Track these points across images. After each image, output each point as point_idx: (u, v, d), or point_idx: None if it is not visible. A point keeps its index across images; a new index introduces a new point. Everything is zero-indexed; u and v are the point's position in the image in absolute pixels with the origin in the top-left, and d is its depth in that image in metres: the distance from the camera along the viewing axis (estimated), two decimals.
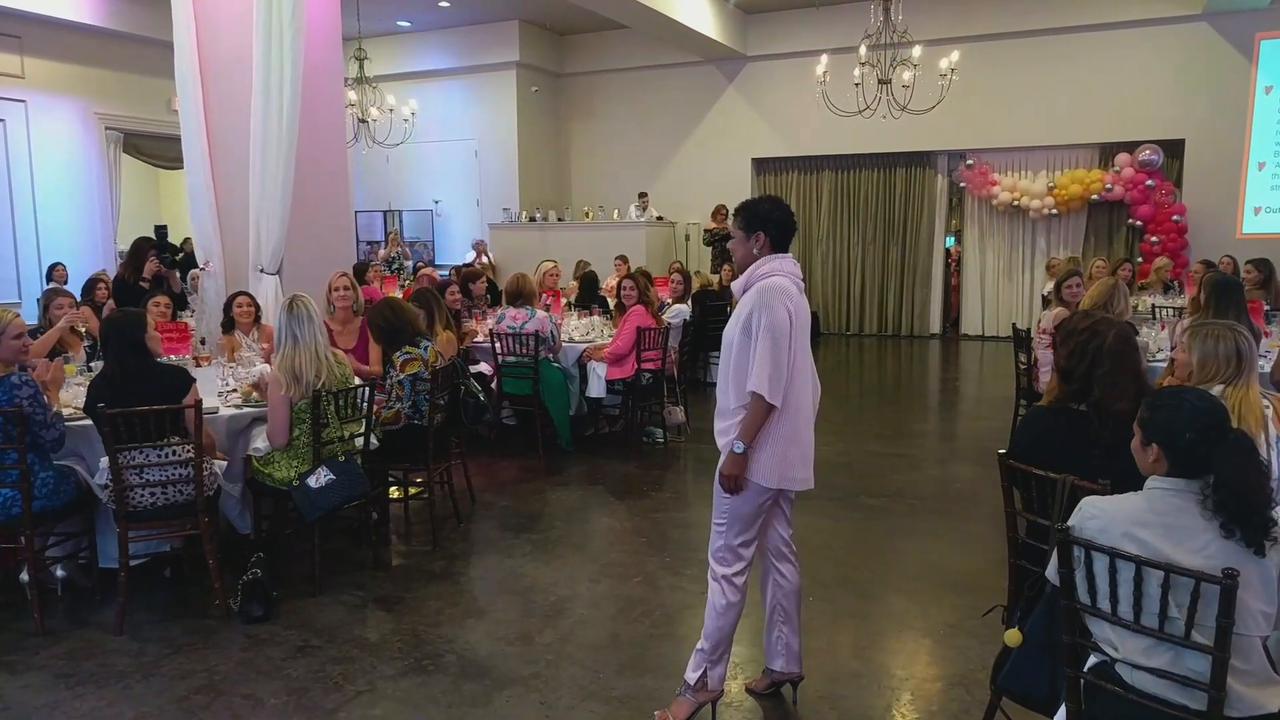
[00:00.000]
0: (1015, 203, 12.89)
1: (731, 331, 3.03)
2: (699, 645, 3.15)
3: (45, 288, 10.10)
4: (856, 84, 9.86)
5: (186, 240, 9.56)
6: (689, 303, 8.76)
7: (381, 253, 13.33)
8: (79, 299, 6.89)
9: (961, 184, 13.45)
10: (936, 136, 12.69)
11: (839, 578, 4.49)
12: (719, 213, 13.14)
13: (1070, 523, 2.17)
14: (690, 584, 4.41)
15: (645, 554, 4.85)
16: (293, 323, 4.26)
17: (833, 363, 12.12)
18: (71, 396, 4.53)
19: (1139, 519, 2.07)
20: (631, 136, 14.97)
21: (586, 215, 13.93)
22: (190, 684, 3.46)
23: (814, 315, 13.96)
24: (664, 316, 7.39)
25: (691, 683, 3.13)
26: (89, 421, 4.13)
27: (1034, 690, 2.46)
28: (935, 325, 14.03)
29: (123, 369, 3.92)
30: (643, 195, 13.78)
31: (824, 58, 10.27)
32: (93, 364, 5.21)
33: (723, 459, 3.02)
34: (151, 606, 4.16)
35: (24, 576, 4.02)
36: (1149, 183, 11.91)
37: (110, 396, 3.81)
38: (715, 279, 10.78)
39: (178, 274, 8.86)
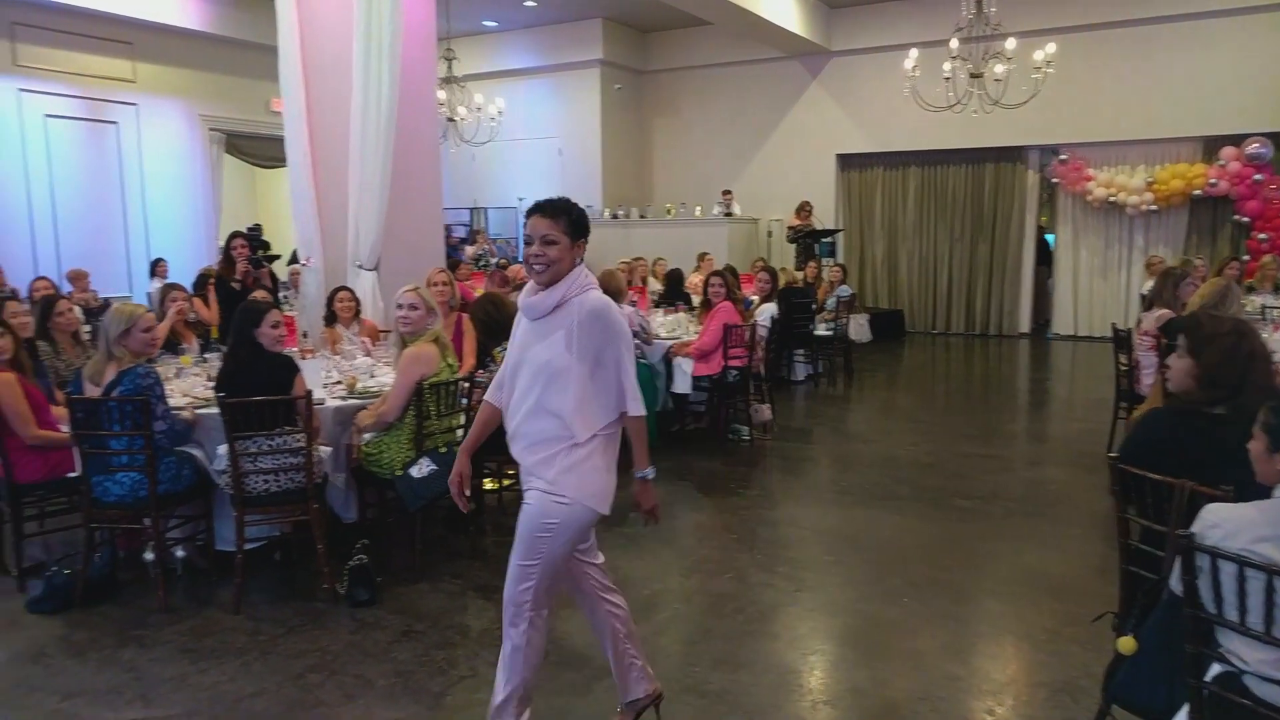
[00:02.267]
0: (1111, 199, 12.49)
1: (548, 354, 2.68)
2: (507, 700, 2.83)
3: (153, 281, 10.61)
4: (946, 78, 9.69)
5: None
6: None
7: (470, 250, 13.57)
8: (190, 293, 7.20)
9: (1054, 179, 13.10)
10: (1029, 131, 12.37)
11: (931, 579, 4.44)
12: (803, 209, 13.05)
13: (1192, 530, 2.13)
14: (782, 582, 4.42)
15: (735, 551, 4.87)
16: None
17: (919, 361, 11.95)
18: (189, 386, 4.77)
19: (1263, 532, 2.02)
20: (714, 133, 14.96)
21: (668, 212, 13.99)
22: (304, 663, 3.61)
23: (898, 313, 13.87)
24: (753, 315, 7.39)
25: None
26: (206, 410, 4.35)
27: (1150, 700, 2.41)
28: (1025, 324, 13.69)
29: (236, 361, 4.11)
30: (727, 193, 13.77)
31: (913, 52, 10.12)
32: (206, 355, 5.45)
33: (638, 490, 2.92)
34: (263, 588, 4.35)
35: (149, 556, 4.25)
36: (1257, 177, 11.42)
37: (228, 386, 4.00)
38: (800, 276, 10.71)
39: (268, 270, 9.12)
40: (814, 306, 9.77)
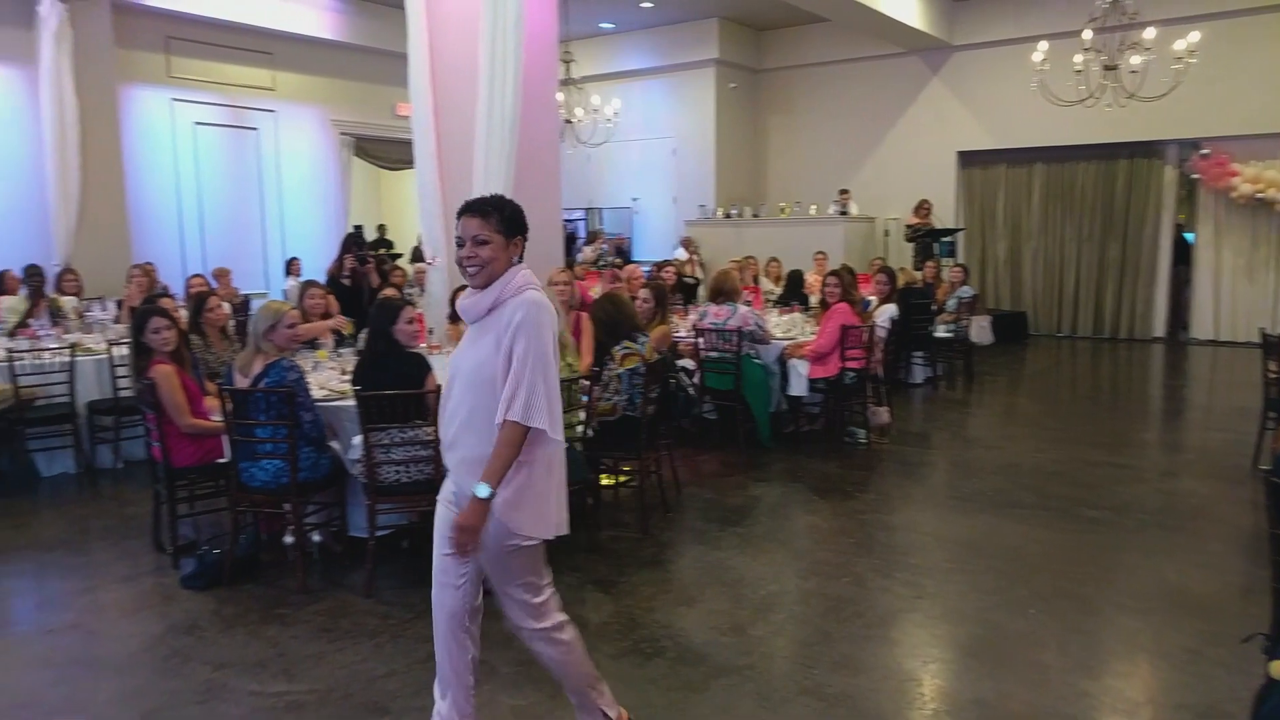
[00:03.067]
0: (1259, 195, 11.74)
1: (477, 358, 2.56)
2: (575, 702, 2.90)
3: (288, 280, 11.17)
4: (1078, 71, 9.30)
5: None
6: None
7: (588, 251, 13.77)
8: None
9: (1195, 175, 12.40)
10: (1167, 124, 11.76)
11: (1058, 591, 4.29)
12: (921, 208, 12.75)
13: None
14: (901, 588, 4.35)
15: (853, 554, 4.81)
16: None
17: (1043, 365, 11.52)
18: (325, 379, 5.01)
19: None
20: (830, 131, 14.77)
21: (782, 211, 13.88)
22: (431, 647, 3.73)
23: (1022, 315, 13.38)
24: (873, 317, 7.28)
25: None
26: (341, 403, 4.57)
27: None
28: (1159, 327, 13.02)
29: (372, 355, 4.31)
30: (844, 192, 13.57)
31: (1042, 44, 9.76)
32: (341, 350, 5.72)
33: (469, 510, 2.53)
34: (392, 574, 4.54)
35: (288, 539, 4.50)
36: None
37: (364, 380, 4.20)
38: (918, 276, 10.47)
39: (372, 267, 9.40)
40: (933, 307, 9.54)
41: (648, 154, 15.32)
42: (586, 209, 16.16)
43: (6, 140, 9.91)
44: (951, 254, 12.57)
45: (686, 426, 7.06)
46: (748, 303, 7.34)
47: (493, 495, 2.50)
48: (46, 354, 6.38)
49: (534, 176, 7.14)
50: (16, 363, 6.08)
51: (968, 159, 13.93)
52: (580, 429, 4.77)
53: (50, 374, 6.18)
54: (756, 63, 15.23)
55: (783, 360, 7.00)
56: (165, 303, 5.95)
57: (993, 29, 13.04)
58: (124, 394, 6.28)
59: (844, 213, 13.40)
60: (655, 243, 15.07)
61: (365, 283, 8.79)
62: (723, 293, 6.94)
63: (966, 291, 10.15)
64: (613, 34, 15.08)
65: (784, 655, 3.70)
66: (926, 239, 12.27)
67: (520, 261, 2.62)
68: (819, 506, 5.72)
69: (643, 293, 6.35)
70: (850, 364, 6.78)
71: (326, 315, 6.73)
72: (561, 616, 2.81)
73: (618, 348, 5.07)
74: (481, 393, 2.55)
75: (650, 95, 15.21)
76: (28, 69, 9.75)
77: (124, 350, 6.41)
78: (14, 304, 7.70)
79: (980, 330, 10.40)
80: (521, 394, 2.47)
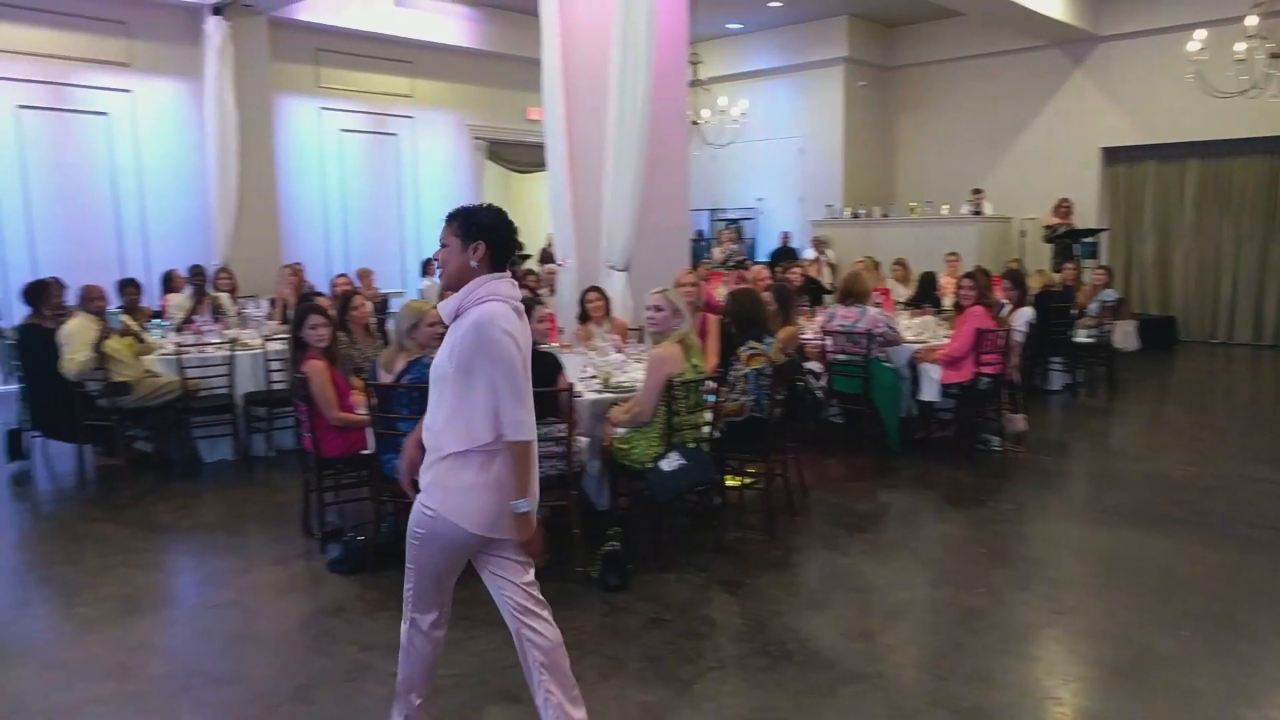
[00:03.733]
0: None
1: (437, 361, 2.69)
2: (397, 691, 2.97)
3: (424, 280, 11.60)
4: (1239, 60, 8.76)
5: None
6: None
7: (717, 252, 13.77)
8: None
9: None
10: None
11: (1213, 613, 4.05)
12: (1061, 207, 12.22)
13: None
14: (1039, 601, 4.19)
15: (987, 565, 4.67)
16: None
17: (1195, 373, 10.86)
18: None
19: None
20: (963, 128, 14.31)
21: (912, 211, 13.54)
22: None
23: (1170, 320, 12.63)
24: (1009, 321, 7.03)
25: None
26: None
27: None
28: None
29: None
30: (977, 191, 13.12)
31: (1199, 33, 9.21)
32: None
33: (516, 523, 2.68)
34: None
35: None
36: None
37: None
38: (1057, 278, 10.03)
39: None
40: (1073, 311, 9.13)
41: (773, 154, 15.21)
42: (711, 210, 16.17)
43: (175, 149, 10.69)
44: (1093, 255, 11.99)
45: (813, 430, 6.98)
46: (878, 304, 7.20)
47: (530, 508, 2.69)
48: (209, 348, 6.84)
49: (662, 178, 7.21)
50: (183, 356, 6.54)
51: (1113, 155, 13.25)
52: (706, 430, 4.79)
53: (212, 367, 6.62)
54: (887, 60, 14.90)
55: (914, 364, 6.85)
56: (322, 301, 6.29)
57: (1142, 18, 12.36)
58: (277, 387, 6.67)
59: (977, 212, 12.96)
60: (779, 243, 14.94)
61: None
62: (852, 294, 6.84)
63: (1110, 295, 9.66)
64: (740, 34, 15.04)
65: (915, 665, 3.63)
66: (1066, 239, 11.75)
67: (482, 268, 2.67)
68: (951, 515, 5.57)
69: (767, 295, 6.30)
70: (985, 369, 6.56)
71: None
72: (427, 615, 2.88)
73: (743, 348, 5.07)
74: (434, 393, 2.71)
75: (777, 95, 15.09)
76: (194, 83, 10.48)
77: (277, 345, 6.84)
78: (180, 301, 8.29)
79: (1125, 336, 9.89)
80: (507, 411, 2.61)
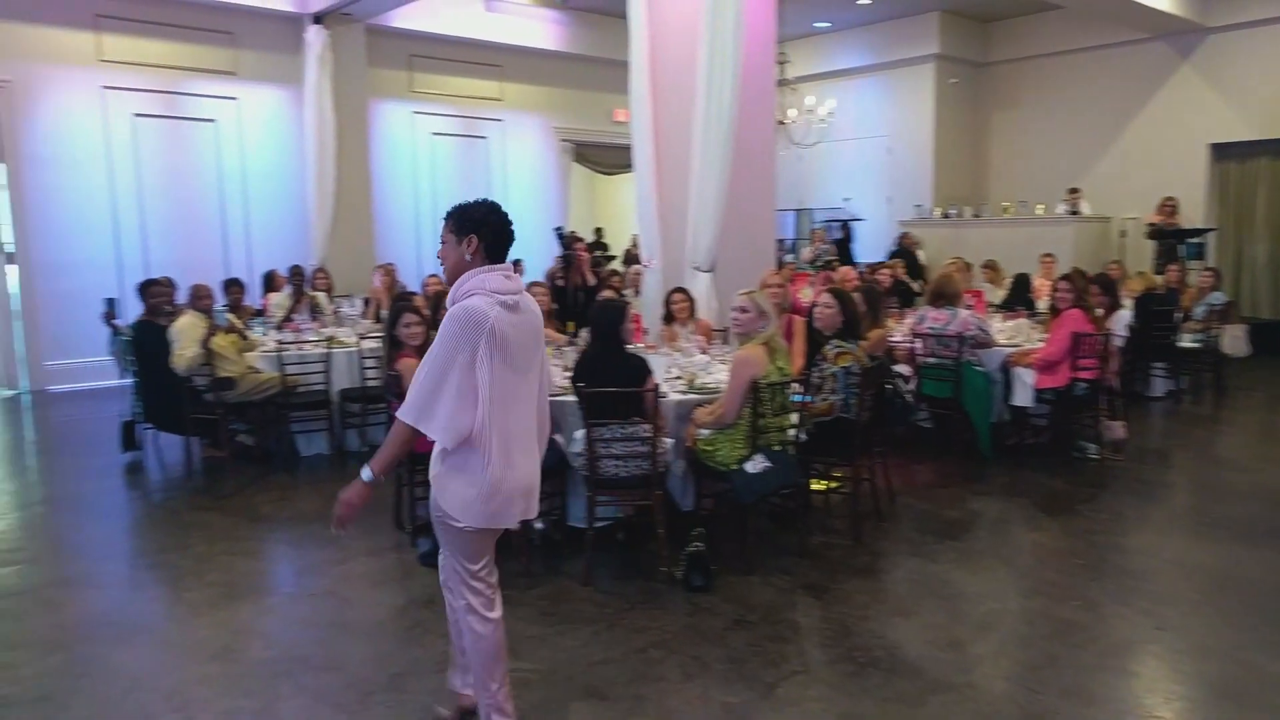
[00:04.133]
0: None
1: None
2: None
3: None
4: None
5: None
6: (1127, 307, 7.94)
7: (806, 252, 13.65)
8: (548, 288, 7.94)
9: None
10: None
11: None
12: (1165, 206, 11.72)
13: None
14: (1139, 617, 4.05)
15: (1083, 577, 4.52)
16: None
17: None
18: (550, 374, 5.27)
19: None
20: (1060, 126, 13.85)
21: (1005, 211, 13.18)
22: (645, 638, 3.89)
23: (1267, 325, 11.98)
24: (1107, 324, 6.78)
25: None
26: (565, 397, 4.79)
27: None
28: None
29: (600, 353, 4.49)
30: (1074, 190, 12.69)
31: None
32: (564, 347, 5.99)
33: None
34: (608, 564, 4.72)
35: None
36: None
37: (589, 376, 4.39)
38: (1160, 280, 9.65)
39: (577, 266, 9.63)
40: (1178, 315, 8.76)
41: (861, 153, 14.99)
42: (797, 210, 16.02)
43: (276, 154, 11.10)
44: (1199, 256, 11.46)
45: (901, 434, 6.86)
46: (969, 306, 7.04)
47: (372, 479, 2.81)
48: (307, 346, 7.09)
49: (749, 178, 7.19)
50: (283, 354, 6.80)
51: (1222, 152, 12.65)
52: (792, 433, 4.76)
53: (309, 364, 6.86)
54: (980, 56, 14.53)
55: (1007, 368, 6.67)
56: (417, 300, 6.46)
57: (1254, 8, 11.76)
58: (371, 383, 6.88)
59: (1074, 212, 12.53)
60: (867, 244, 14.72)
61: (571, 283, 9.15)
62: (943, 296, 6.70)
63: (1218, 298, 9.24)
64: (828, 33, 14.86)
65: (1006, 676, 3.54)
66: (1170, 239, 11.27)
67: (477, 261, 2.79)
68: (1044, 524, 5.41)
69: (855, 295, 6.20)
70: (1082, 374, 6.36)
71: (548, 314, 7.06)
72: (481, 605, 2.97)
73: (829, 346, 5.02)
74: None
75: (865, 93, 14.87)
76: (295, 90, 10.89)
77: (371, 343, 7.05)
78: (280, 300, 8.62)
79: (1234, 341, 9.43)
80: (415, 397, 2.71)
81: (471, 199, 2.93)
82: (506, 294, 2.77)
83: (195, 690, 3.52)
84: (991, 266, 10.53)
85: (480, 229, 2.79)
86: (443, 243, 2.85)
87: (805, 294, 8.47)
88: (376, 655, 3.77)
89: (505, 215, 2.87)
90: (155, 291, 6.91)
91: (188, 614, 4.29)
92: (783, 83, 12.32)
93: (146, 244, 10.35)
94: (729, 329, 6.72)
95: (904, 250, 12.56)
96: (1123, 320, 7.28)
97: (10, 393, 9.76)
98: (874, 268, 9.31)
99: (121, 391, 7.88)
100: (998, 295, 9.50)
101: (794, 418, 4.80)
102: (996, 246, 11.70)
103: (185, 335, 6.39)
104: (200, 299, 6.78)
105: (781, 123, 12.57)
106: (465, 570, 2.94)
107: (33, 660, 3.77)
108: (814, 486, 5.51)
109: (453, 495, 2.81)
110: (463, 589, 2.96)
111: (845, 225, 14.23)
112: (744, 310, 4.67)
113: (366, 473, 2.80)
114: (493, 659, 2.97)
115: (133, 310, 7.89)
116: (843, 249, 13.28)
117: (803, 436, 4.89)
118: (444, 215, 2.89)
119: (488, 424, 2.73)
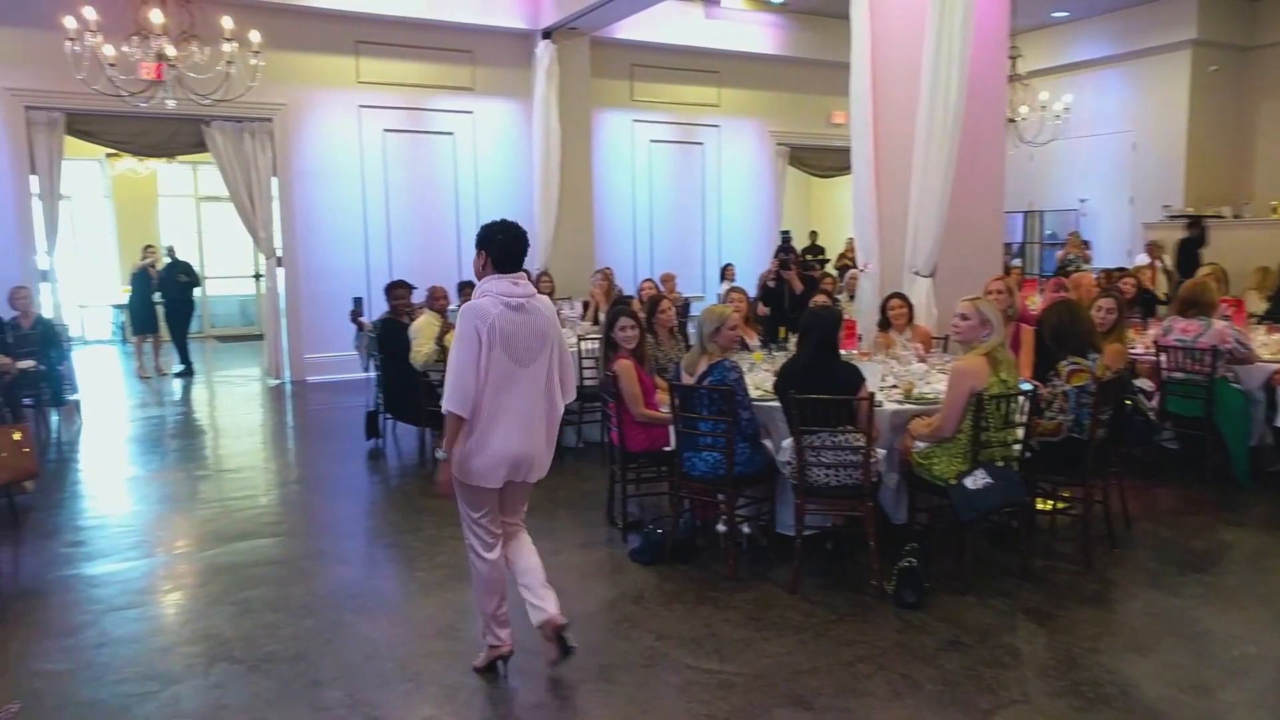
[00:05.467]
0: None
1: None
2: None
3: (722, 284, 11.90)
4: None
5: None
6: None
7: (1058, 255, 12.88)
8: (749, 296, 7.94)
9: None
10: None
11: None
12: None
13: None
14: None
15: None
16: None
17: None
18: (760, 379, 5.26)
19: None
20: None
21: (1274, 211, 11.82)
22: (853, 652, 3.80)
23: None
24: None
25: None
26: (774, 403, 4.78)
27: None
28: None
29: (814, 360, 4.44)
30: None
31: None
32: (775, 352, 5.97)
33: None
34: (815, 574, 4.65)
35: (720, 528, 4.82)
36: None
37: (799, 383, 4.35)
38: None
39: (794, 273, 9.51)
40: None
41: (1100, 150, 13.93)
42: (1026, 212, 15.11)
43: (506, 163, 11.78)
44: None
45: (1140, 455, 6.32)
46: (1226, 317, 6.38)
47: (446, 457, 3.39)
48: None
49: (974, 179, 6.86)
50: None
51: None
52: (1016, 448, 4.50)
53: None
54: (1247, 39, 13.10)
55: (1270, 387, 5.99)
56: (635, 303, 6.66)
57: None
58: (588, 383, 7.12)
59: None
60: (1103, 248, 13.66)
61: (787, 287, 9.08)
62: (1195, 305, 6.11)
63: None
64: (1066, 22, 13.92)
65: None
66: None
67: (488, 270, 3.39)
68: None
69: (1105, 302, 5.72)
70: None
71: (746, 320, 7.06)
72: (480, 547, 3.57)
73: (1064, 363, 4.70)
74: None
75: (1106, 86, 13.81)
76: (524, 102, 11.53)
77: (590, 344, 7.31)
78: None
79: None
80: (448, 382, 3.31)
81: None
82: (511, 296, 3.35)
83: (424, 663, 3.80)
84: (1264, 272, 9.41)
85: (488, 245, 3.39)
86: (476, 257, 3.46)
87: (1033, 301, 7.99)
88: (587, 645, 3.90)
89: (510, 233, 3.40)
90: (398, 293, 7.51)
91: (418, 592, 4.64)
92: (1013, 78, 11.66)
93: (390, 249, 11.28)
94: (949, 336, 6.47)
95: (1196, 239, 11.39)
96: None
97: (275, 382, 10.94)
98: (1111, 274, 8.61)
99: (366, 384, 8.62)
100: (1261, 305, 8.54)
101: (1019, 433, 4.53)
102: (1261, 251, 10.51)
103: (423, 333, 6.90)
104: (437, 299, 7.30)
105: (1011, 120, 11.89)
106: (469, 516, 3.55)
107: (291, 622, 4.21)
108: (1039, 506, 5.18)
109: (458, 454, 3.37)
110: (467, 532, 3.58)
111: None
112: (965, 317, 4.48)
113: (441, 454, 3.46)
114: (488, 589, 3.59)
115: (377, 310, 8.62)
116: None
117: (1028, 454, 4.61)
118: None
119: (481, 401, 3.32)
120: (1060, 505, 5.17)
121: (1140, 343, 6.68)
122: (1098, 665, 3.64)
